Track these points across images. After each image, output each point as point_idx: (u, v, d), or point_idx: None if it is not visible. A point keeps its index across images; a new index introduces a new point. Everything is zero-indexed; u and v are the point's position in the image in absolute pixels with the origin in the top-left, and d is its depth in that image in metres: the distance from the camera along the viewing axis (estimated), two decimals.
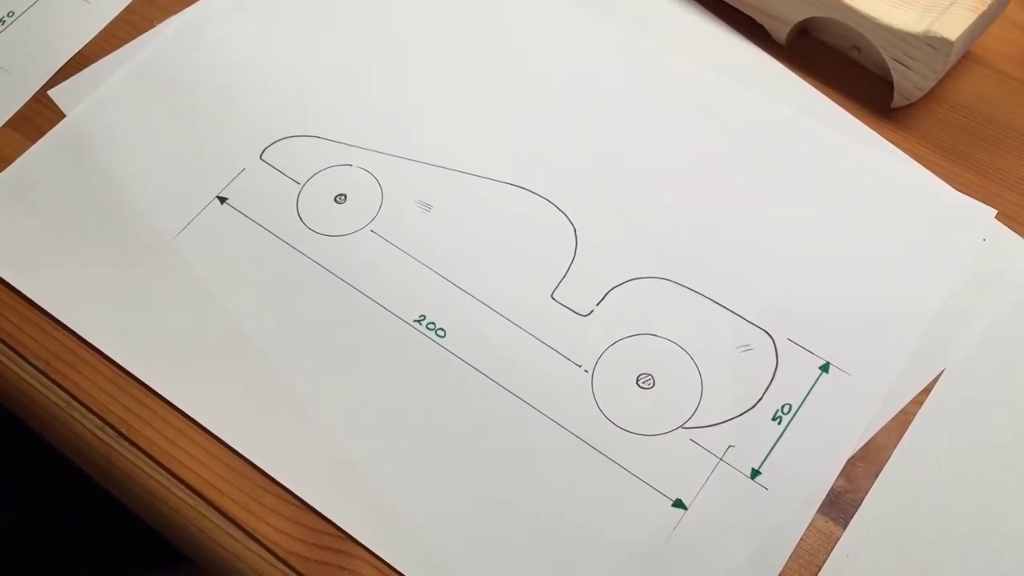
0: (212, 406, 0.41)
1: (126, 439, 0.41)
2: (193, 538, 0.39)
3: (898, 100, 0.46)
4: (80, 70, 0.50)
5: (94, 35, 0.51)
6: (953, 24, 0.43)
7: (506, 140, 0.47)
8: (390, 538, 0.38)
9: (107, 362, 0.42)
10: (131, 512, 0.41)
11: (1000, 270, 0.43)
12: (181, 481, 0.40)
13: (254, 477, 0.39)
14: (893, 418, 0.40)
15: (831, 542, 0.37)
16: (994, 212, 0.44)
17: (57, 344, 0.43)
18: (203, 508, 0.39)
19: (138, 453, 0.40)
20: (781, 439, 0.39)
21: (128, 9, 0.52)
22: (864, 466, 0.39)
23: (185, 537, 0.39)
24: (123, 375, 0.42)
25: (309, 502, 0.39)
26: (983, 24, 0.44)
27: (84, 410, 0.41)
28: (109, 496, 0.42)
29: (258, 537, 0.38)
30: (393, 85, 0.49)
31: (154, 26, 0.51)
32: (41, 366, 0.42)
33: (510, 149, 0.47)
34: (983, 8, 0.43)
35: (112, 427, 0.41)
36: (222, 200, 0.46)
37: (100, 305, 0.43)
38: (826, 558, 0.37)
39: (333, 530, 0.38)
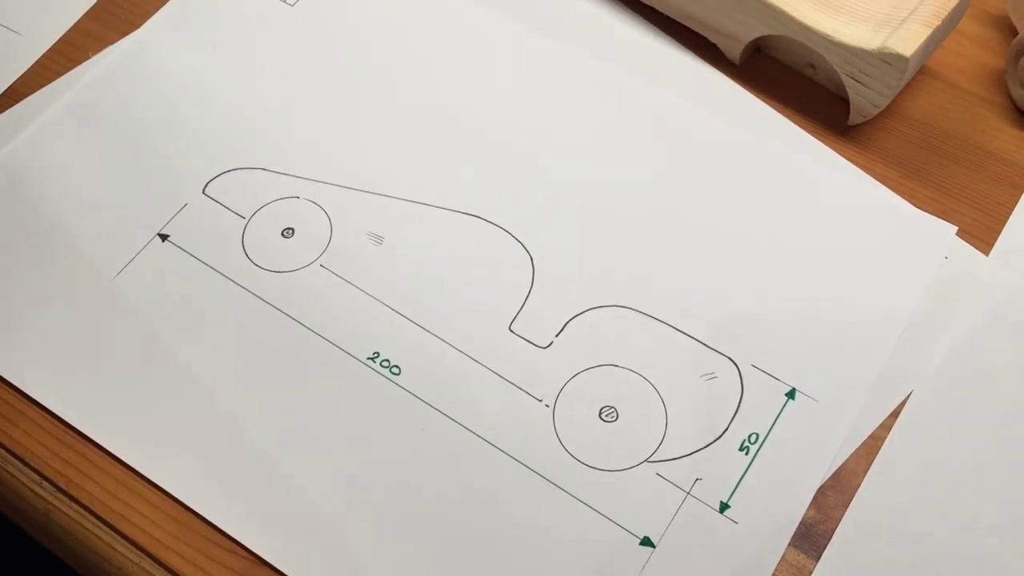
0: (156, 456, 0.39)
1: (65, 494, 0.38)
2: None
3: (854, 117, 0.46)
4: (12, 105, 0.48)
5: (26, 68, 0.49)
6: (908, 40, 0.42)
7: (458, 168, 0.46)
8: None
9: (44, 413, 0.40)
10: (73, 571, 0.39)
11: (963, 288, 0.42)
12: (124, 537, 0.38)
13: (201, 530, 0.37)
14: (862, 444, 0.39)
15: None
16: (955, 229, 0.43)
17: None
18: (148, 565, 0.37)
19: (79, 509, 0.38)
20: (749, 470, 0.38)
21: (62, 40, 0.50)
22: (834, 495, 0.38)
23: None
24: (62, 426, 0.40)
25: (261, 555, 0.37)
26: (937, 39, 0.44)
27: (20, 465, 0.39)
28: (49, 555, 0.40)
29: None
30: (340, 114, 0.47)
31: (89, 58, 0.49)
32: None
33: (463, 177, 0.45)
34: (937, 23, 0.42)
35: (51, 482, 0.39)
36: (163, 237, 0.44)
37: (36, 352, 0.41)
38: None
39: None
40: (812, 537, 0.37)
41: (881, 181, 0.45)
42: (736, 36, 0.47)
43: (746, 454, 0.38)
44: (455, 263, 0.43)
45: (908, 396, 0.40)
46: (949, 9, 0.43)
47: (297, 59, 0.49)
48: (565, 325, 0.41)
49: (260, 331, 0.42)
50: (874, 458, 0.38)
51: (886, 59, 0.42)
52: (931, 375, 0.40)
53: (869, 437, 0.39)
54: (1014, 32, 0.48)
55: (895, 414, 0.39)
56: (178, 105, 0.48)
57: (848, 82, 0.45)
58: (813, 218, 0.44)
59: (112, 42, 0.50)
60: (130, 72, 0.49)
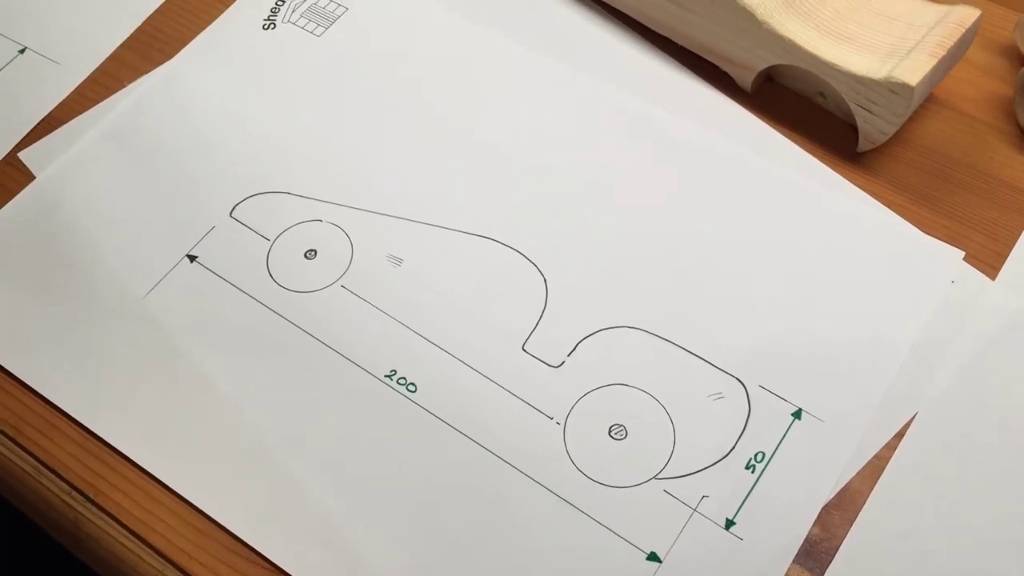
0: (182, 468, 0.40)
1: (94, 504, 0.40)
2: None
3: (863, 144, 0.47)
4: (50, 131, 0.50)
5: (65, 96, 0.51)
6: (914, 69, 0.43)
7: (475, 192, 0.47)
8: None
9: (76, 426, 0.42)
10: None
11: (969, 312, 0.43)
12: (150, 546, 0.39)
13: (224, 540, 0.39)
14: (867, 464, 0.39)
15: None
16: (962, 254, 0.44)
17: (25, 409, 0.42)
18: (172, 573, 0.38)
19: (106, 518, 0.40)
20: (755, 488, 0.39)
21: (99, 70, 0.52)
22: (839, 513, 0.39)
23: None
24: (92, 439, 0.41)
25: (281, 565, 0.38)
26: (944, 68, 0.45)
27: (52, 476, 0.41)
28: (78, 563, 0.41)
29: None
30: (363, 140, 0.49)
31: (124, 86, 0.51)
32: (10, 432, 0.42)
33: (480, 201, 0.47)
34: (942, 53, 0.43)
35: (80, 492, 0.40)
36: (192, 258, 0.46)
37: (69, 368, 0.43)
38: None
39: None
40: (816, 555, 0.38)
41: (890, 207, 0.46)
42: (748, 65, 0.48)
43: (752, 472, 0.39)
44: (471, 284, 0.44)
45: (913, 417, 0.40)
46: (955, 39, 0.44)
47: (321, 88, 0.51)
48: (577, 345, 0.43)
49: (282, 349, 0.43)
50: (879, 478, 0.39)
51: (893, 88, 0.43)
52: (936, 397, 0.41)
53: (874, 457, 0.40)
54: (1023, 61, 0.49)
55: (900, 435, 0.40)
56: (207, 132, 0.50)
57: (856, 110, 0.46)
58: (822, 242, 0.45)
59: (146, 71, 0.52)
60: (163, 100, 0.51)
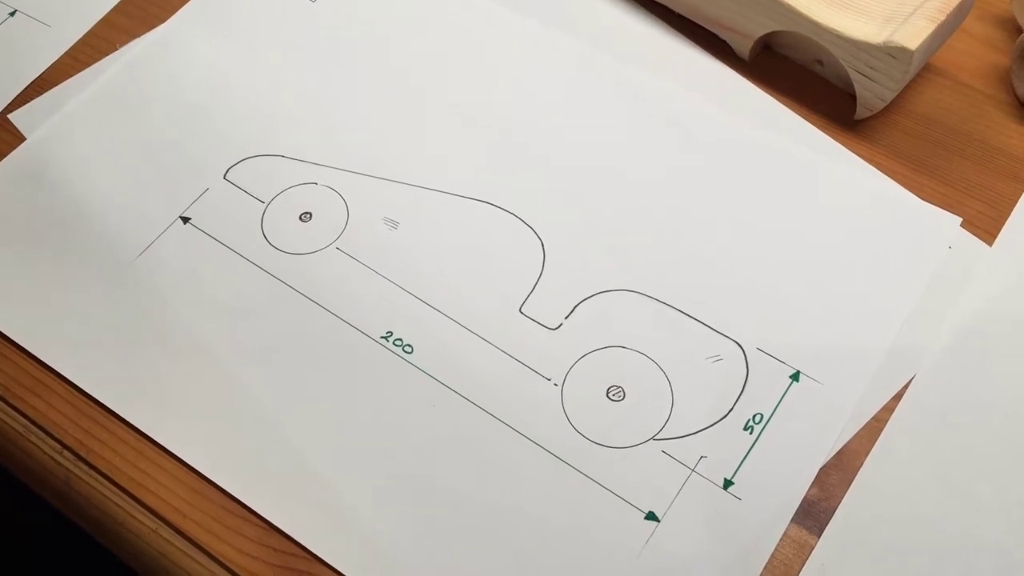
0: (174, 427, 0.40)
1: (86, 463, 0.40)
2: (155, 563, 0.38)
3: (861, 112, 0.47)
4: (41, 93, 0.49)
5: (56, 58, 0.51)
6: (912, 34, 0.43)
7: (472, 156, 0.47)
8: (357, 557, 0.37)
9: (67, 385, 0.41)
10: (91, 538, 0.40)
11: (966, 277, 0.43)
12: (142, 504, 0.39)
13: (217, 498, 0.38)
14: (865, 425, 0.39)
15: (805, 552, 0.37)
16: (959, 220, 0.44)
17: (16, 368, 0.42)
18: (165, 532, 0.38)
19: (98, 477, 0.39)
20: (753, 449, 0.39)
21: (91, 32, 0.52)
22: (837, 474, 0.39)
23: (147, 562, 0.38)
24: (83, 398, 0.41)
25: (274, 522, 0.38)
26: (942, 35, 0.45)
27: (43, 434, 0.40)
28: (69, 522, 0.41)
29: (222, 560, 0.37)
30: (358, 104, 0.49)
31: (117, 49, 0.51)
32: (0, 391, 0.41)
33: (477, 165, 0.46)
34: (941, 18, 0.43)
35: (71, 451, 0.40)
36: (185, 220, 0.45)
37: (61, 328, 0.42)
38: (801, 568, 0.37)
39: (299, 550, 0.37)
40: (814, 514, 0.38)
41: (887, 174, 0.46)
42: (746, 33, 0.48)
43: (750, 433, 0.39)
44: (468, 248, 0.44)
45: (910, 380, 0.40)
46: (954, 5, 0.44)
47: (316, 51, 0.50)
48: (574, 308, 0.42)
49: (277, 310, 0.43)
50: (876, 439, 0.39)
51: (891, 53, 0.43)
52: (933, 360, 0.41)
53: (872, 419, 0.40)
54: (1019, 31, 0.49)
55: (898, 397, 0.40)
56: (201, 95, 0.49)
57: (855, 76, 0.45)
58: (819, 208, 0.45)
59: (139, 34, 0.51)
60: (156, 63, 0.50)
